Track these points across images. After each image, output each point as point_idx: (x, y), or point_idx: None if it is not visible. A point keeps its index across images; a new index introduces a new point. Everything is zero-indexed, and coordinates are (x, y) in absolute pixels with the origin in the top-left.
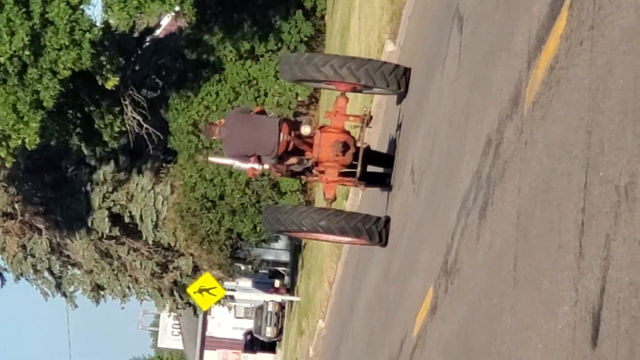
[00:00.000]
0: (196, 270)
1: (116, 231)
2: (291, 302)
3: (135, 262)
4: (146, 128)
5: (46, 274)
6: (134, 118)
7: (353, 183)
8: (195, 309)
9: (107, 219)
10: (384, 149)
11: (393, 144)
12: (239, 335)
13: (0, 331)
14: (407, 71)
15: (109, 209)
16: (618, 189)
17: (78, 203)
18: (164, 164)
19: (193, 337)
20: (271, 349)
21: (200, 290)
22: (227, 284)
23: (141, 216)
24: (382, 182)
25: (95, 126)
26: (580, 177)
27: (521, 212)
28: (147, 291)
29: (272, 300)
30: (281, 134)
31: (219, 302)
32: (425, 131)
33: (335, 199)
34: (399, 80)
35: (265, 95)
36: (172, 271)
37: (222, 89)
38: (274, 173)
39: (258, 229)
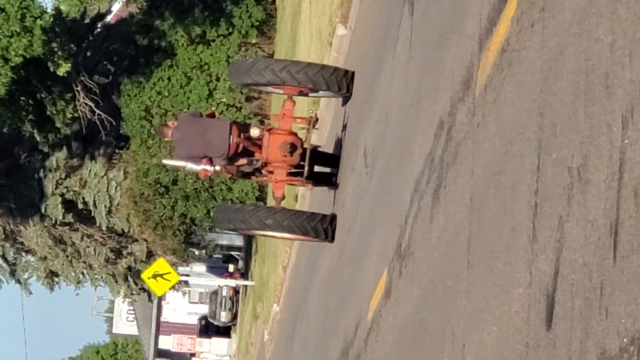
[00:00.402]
0: (150, 255)
1: (70, 217)
2: (245, 286)
3: (89, 248)
4: (98, 114)
5: (0, 261)
6: (86, 104)
7: (301, 182)
8: (149, 294)
9: (60, 206)
10: (330, 149)
11: (339, 144)
12: (194, 320)
13: None
14: (348, 73)
15: (62, 195)
16: (571, 170)
17: (31, 190)
18: (116, 150)
19: (148, 322)
20: (226, 334)
21: (155, 276)
22: (181, 269)
23: (94, 202)
24: (329, 181)
25: (48, 113)
26: (533, 159)
27: (474, 195)
28: (102, 277)
29: (226, 285)
30: (231, 136)
31: (173, 287)
32: (378, 114)
33: (283, 197)
34: (339, 82)
35: (217, 80)
36: (126, 257)
37: (174, 74)
38: (225, 174)
39: (211, 213)
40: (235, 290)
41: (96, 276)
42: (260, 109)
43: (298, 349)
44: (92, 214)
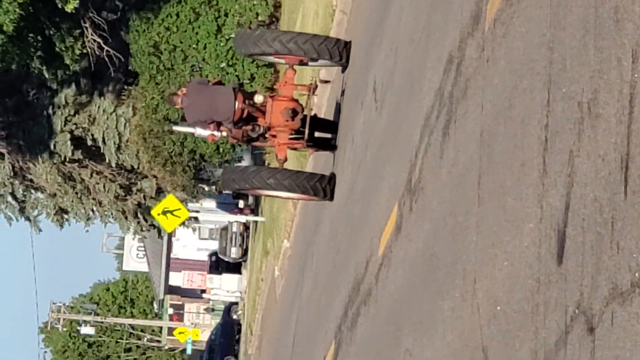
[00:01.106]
0: (160, 192)
1: (79, 154)
2: (255, 222)
3: (99, 184)
4: (107, 50)
5: (9, 198)
6: (95, 40)
7: (302, 145)
8: (159, 231)
9: (69, 142)
10: (330, 115)
11: (338, 110)
12: (204, 257)
13: None
14: (347, 44)
15: (71, 132)
16: (581, 105)
17: (40, 127)
18: (125, 86)
19: (158, 259)
20: (236, 270)
21: (164, 212)
22: (191, 205)
23: (104, 139)
24: (328, 145)
25: (56, 49)
26: (543, 93)
27: (484, 130)
28: (111, 214)
29: (236, 221)
30: (236, 102)
31: (183, 223)
32: (387, 49)
33: (286, 159)
34: (340, 52)
35: (226, 15)
36: (135, 193)
37: (182, 10)
38: (232, 139)
39: (221, 149)
40: (245, 226)
41: (106, 213)
42: None
43: (309, 284)
44: (101, 151)
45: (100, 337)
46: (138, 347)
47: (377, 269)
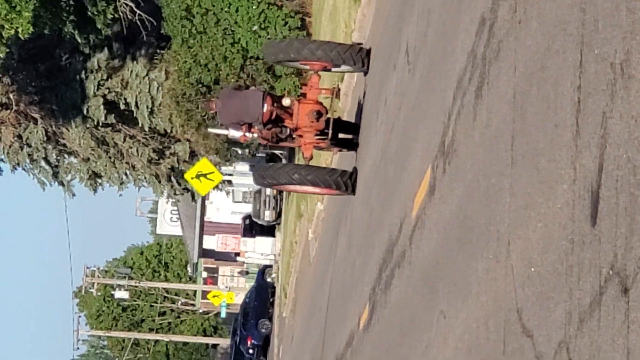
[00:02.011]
0: (193, 155)
1: (112, 118)
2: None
3: (132, 149)
4: (139, 14)
5: (43, 163)
6: (127, 4)
7: (326, 144)
8: (193, 194)
9: (102, 107)
10: (352, 118)
11: (360, 113)
12: (238, 220)
13: None
14: (368, 52)
15: (104, 96)
16: (613, 66)
17: (73, 91)
18: (157, 50)
19: (192, 222)
20: (270, 233)
21: (198, 176)
22: (224, 168)
23: (136, 103)
24: (351, 145)
25: (88, 14)
26: (575, 55)
27: (517, 91)
28: (145, 178)
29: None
30: (265, 105)
31: (216, 187)
32: (419, 11)
33: (311, 157)
34: (363, 59)
35: None
36: (169, 157)
37: None
38: (262, 140)
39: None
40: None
41: (139, 177)
42: (302, 7)
43: (343, 246)
44: (134, 115)
45: (134, 301)
46: (172, 310)
47: (411, 231)
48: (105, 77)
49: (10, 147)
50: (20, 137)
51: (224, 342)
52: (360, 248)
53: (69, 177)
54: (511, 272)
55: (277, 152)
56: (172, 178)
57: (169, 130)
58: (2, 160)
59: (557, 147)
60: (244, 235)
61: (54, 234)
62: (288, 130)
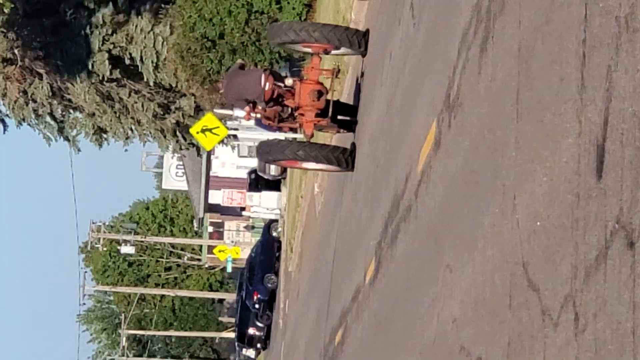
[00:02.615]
0: (198, 110)
1: (117, 73)
2: (295, 139)
3: (137, 103)
4: None
5: (48, 118)
6: None
7: (326, 122)
8: (198, 149)
9: (107, 62)
10: (350, 100)
11: (358, 96)
12: (243, 174)
13: (4, 177)
14: (366, 34)
15: (109, 51)
16: (618, 19)
17: (78, 46)
18: (162, 5)
19: (197, 177)
20: (276, 188)
21: (203, 130)
22: (229, 123)
23: (141, 58)
24: (349, 127)
25: None
26: (580, 8)
27: (522, 45)
28: (150, 133)
29: (275, 138)
30: (267, 83)
31: (222, 141)
32: None
33: (312, 135)
34: (359, 41)
35: None
36: (174, 112)
37: None
38: (265, 120)
39: (258, 66)
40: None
41: (144, 132)
42: None
43: (348, 201)
44: (139, 70)
45: (140, 256)
46: (178, 265)
47: (417, 185)
48: (110, 32)
49: (15, 102)
50: (25, 92)
51: (230, 297)
52: (366, 202)
53: (74, 132)
54: (517, 226)
55: None
56: (178, 133)
57: (174, 85)
58: (7, 115)
59: (563, 100)
60: (250, 189)
61: (60, 190)
62: (290, 110)
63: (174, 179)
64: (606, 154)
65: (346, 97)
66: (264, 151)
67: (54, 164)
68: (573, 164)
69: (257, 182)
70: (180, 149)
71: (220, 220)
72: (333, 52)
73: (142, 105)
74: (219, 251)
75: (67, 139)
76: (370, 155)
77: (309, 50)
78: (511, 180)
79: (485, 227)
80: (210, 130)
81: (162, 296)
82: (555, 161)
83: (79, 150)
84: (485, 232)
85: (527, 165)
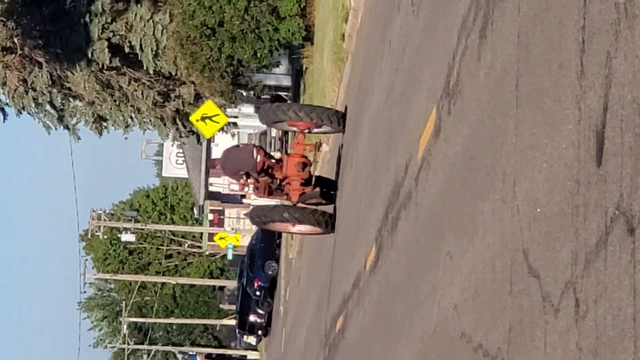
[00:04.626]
0: (198, 98)
1: (116, 62)
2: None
3: (137, 92)
4: None
5: (48, 107)
6: None
7: (310, 189)
8: (198, 137)
9: (107, 50)
10: (331, 175)
11: (338, 172)
12: None
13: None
14: (344, 115)
15: (108, 39)
16: (617, 6)
17: (77, 35)
18: None
19: (197, 165)
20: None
21: (203, 118)
22: (229, 110)
23: (141, 46)
24: (330, 198)
25: None
26: None
27: (521, 32)
28: (150, 120)
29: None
30: (258, 155)
31: (222, 129)
32: None
33: (298, 201)
34: (338, 119)
35: None
36: (174, 100)
37: None
38: (256, 192)
39: (258, 54)
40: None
41: (144, 120)
42: None
43: (349, 187)
44: (139, 58)
45: (140, 244)
46: (179, 253)
47: (417, 172)
48: (109, 20)
49: (15, 91)
50: (25, 81)
51: (231, 284)
52: (366, 188)
53: (74, 121)
54: (517, 213)
55: (282, 93)
56: (177, 121)
57: (173, 73)
58: (7, 104)
59: (562, 87)
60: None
61: (60, 178)
62: (278, 181)
63: (174, 167)
64: (606, 141)
65: (327, 171)
66: (256, 214)
67: (54, 152)
68: (573, 150)
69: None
70: (180, 136)
71: (220, 208)
72: (315, 130)
73: (142, 93)
74: (220, 238)
75: (67, 127)
76: (370, 142)
77: (294, 129)
78: (511, 166)
79: (486, 213)
80: (210, 117)
81: (163, 284)
82: (555, 148)
83: (79, 138)
84: (486, 219)
85: (526, 152)
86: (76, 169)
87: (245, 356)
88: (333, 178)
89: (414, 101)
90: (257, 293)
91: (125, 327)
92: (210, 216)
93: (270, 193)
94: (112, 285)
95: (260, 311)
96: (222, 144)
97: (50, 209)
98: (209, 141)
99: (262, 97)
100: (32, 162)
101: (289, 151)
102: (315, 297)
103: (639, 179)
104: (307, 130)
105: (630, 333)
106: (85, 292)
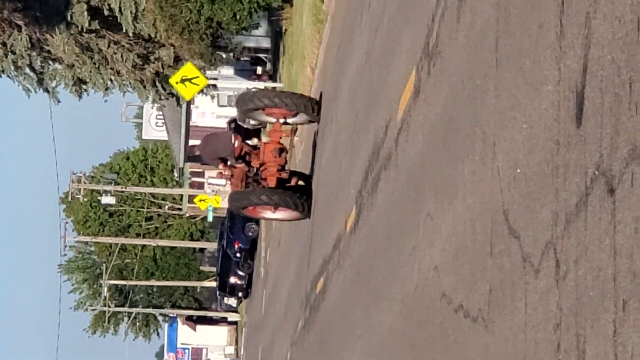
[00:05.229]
0: (178, 60)
1: (96, 24)
2: (274, 88)
3: (117, 54)
4: None
5: (27, 70)
6: None
7: (287, 174)
8: (178, 99)
9: (86, 13)
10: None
11: (312, 165)
12: (223, 124)
13: None
14: (319, 102)
15: (87, 2)
16: None
17: None
18: None
19: (177, 127)
20: (256, 135)
21: (183, 80)
22: (209, 73)
23: (120, 8)
24: (305, 190)
25: None
26: None
27: None
28: (130, 83)
29: (255, 88)
30: (236, 141)
31: (201, 91)
32: None
33: (275, 186)
34: (313, 107)
35: None
36: (153, 62)
37: None
38: (233, 182)
39: (238, 16)
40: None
41: (124, 82)
42: None
43: (329, 149)
44: (118, 21)
45: (121, 206)
46: (159, 215)
47: (397, 133)
48: None
49: None
50: (4, 44)
51: (211, 246)
52: (346, 150)
53: (54, 84)
54: (497, 174)
55: (262, 55)
56: (157, 83)
57: (153, 36)
58: None
59: (542, 48)
60: None
61: (40, 141)
62: (255, 170)
63: (154, 129)
64: (585, 101)
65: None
66: (234, 199)
67: (34, 115)
68: (553, 111)
69: (237, 132)
70: (160, 99)
71: (200, 170)
72: (290, 119)
73: (122, 56)
74: (200, 200)
75: (46, 90)
76: (350, 104)
77: (271, 119)
78: (491, 127)
79: (466, 174)
80: (189, 80)
81: (143, 246)
82: (535, 108)
83: (58, 101)
84: (466, 180)
85: (506, 113)
86: (56, 131)
87: (226, 318)
88: (308, 172)
89: (394, 62)
90: (238, 255)
91: (105, 289)
92: (190, 178)
93: (247, 185)
94: (93, 248)
95: (240, 273)
96: (202, 106)
97: (30, 172)
98: (189, 103)
99: (241, 59)
100: (11, 125)
101: (264, 139)
102: (296, 259)
103: (619, 140)
104: (282, 120)
105: (610, 293)
106: (65, 254)
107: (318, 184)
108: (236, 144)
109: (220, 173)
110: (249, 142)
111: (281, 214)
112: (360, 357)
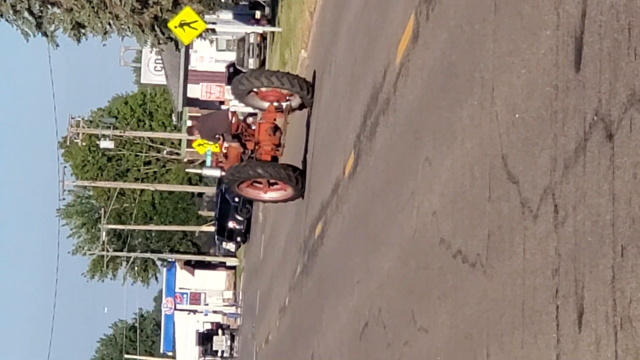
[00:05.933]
0: (177, 4)
1: None
2: (272, 33)
3: None
4: None
5: (26, 14)
6: None
7: (280, 152)
8: (176, 43)
9: None
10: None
11: (306, 145)
12: (222, 68)
13: None
14: (313, 82)
15: None
16: None
17: None
18: None
19: (176, 71)
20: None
21: (182, 25)
22: (207, 17)
23: None
24: (301, 182)
25: None
26: None
27: None
28: (128, 27)
29: (253, 32)
30: (233, 117)
31: (200, 35)
32: None
33: (270, 161)
34: (308, 87)
35: None
36: (152, 6)
37: None
38: (230, 159)
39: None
40: (263, 37)
41: (123, 26)
42: None
43: (327, 94)
44: None
45: (119, 150)
46: (157, 159)
47: (395, 77)
48: None
49: None
50: None
51: (210, 191)
52: (345, 95)
53: (53, 28)
54: (496, 119)
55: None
56: (156, 27)
57: None
58: None
59: None
60: (228, 83)
61: (39, 86)
62: (249, 152)
63: (153, 74)
64: (584, 46)
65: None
66: (230, 173)
67: (33, 60)
68: (551, 56)
69: (236, 76)
70: (159, 43)
71: (199, 114)
72: (284, 103)
73: (120, 0)
74: (198, 145)
75: (45, 34)
76: (349, 49)
77: (265, 103)
78: (490, 72)
79: (464, 119)
80: (188, 24)
81: (142, 190)
82: (534, 53)
83: (57, 45)
84: (464, 125)
85: (505, 58)
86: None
87: (224, 262)
88: (300, 166)
89: (392, 7)
90: (236, 199)
91: (104, 234)
92: (189, 123)
93: (241, 161)
94: (91, 192)
95: (239, 218)
96: (201, 50)
97: (28, 116)
98: (188, 47)
99: (240, 3)
100: (10, 69)
101: (260, 120)
102: (294, 204)
103: (618, 85)
104: (276, 103)
105: (609, 239)
106: (64, 199)
107: (316, 130)
108: (233, 120)
109: (220, 146)
110: (246, 122)
111: (275, 193)
112: (359, 302)
